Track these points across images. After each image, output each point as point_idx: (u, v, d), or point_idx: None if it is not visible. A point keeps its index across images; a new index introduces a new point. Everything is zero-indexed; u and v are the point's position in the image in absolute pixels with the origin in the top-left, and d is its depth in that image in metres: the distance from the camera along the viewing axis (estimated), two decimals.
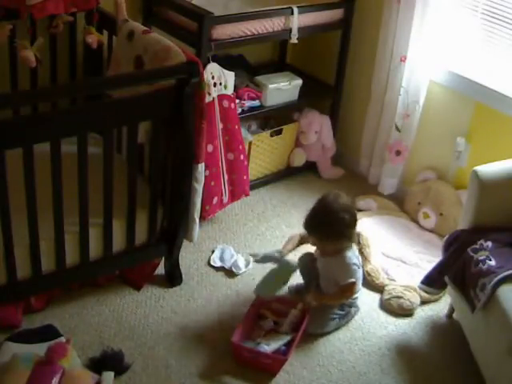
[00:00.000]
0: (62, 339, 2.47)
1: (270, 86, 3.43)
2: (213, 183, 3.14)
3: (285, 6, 3.24)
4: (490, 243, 2.49)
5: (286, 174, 3.80)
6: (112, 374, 2.40)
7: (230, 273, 3.04)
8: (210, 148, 3.05)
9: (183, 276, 2.95)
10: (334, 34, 3.64)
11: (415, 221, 3.50)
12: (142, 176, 2.73)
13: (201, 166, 2.72)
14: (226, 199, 3.28)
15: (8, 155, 2.16)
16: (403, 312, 2.91)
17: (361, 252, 3.09)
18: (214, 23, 2.99)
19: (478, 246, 2.51)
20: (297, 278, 2.90)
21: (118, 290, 2.85)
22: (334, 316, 2.76)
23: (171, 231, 2.79)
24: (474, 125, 3.30)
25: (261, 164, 3.64)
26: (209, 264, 3.07)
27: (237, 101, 3.25)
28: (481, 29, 3.16)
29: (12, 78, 2.91)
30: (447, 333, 2.84)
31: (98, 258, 2.62)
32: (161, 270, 2.95)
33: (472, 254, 2.50)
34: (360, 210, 3.44)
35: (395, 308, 2.91)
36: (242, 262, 3.08)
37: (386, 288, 2.99)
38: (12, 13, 2.71)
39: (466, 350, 2.61)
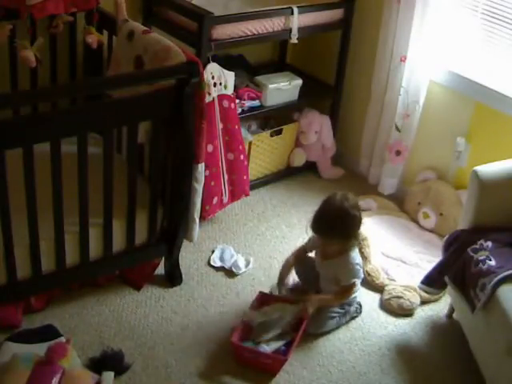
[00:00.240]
0: (62, 339, 2.47)
1: (270, 86, 3.43)
2: (213, 183, 3.14)
3: (285, 6, 3.24)
4: (490, 243, 2.49)
5: (286, 174, 3.80)
6: (112, 374, 2.40)
7: (230, 273, 3.03)
8: (210, 148, 3.05)
9: (183, 276, 2.95)
10: (334, 34, 3.63)
11: (415, 221, 3.50)
12: (142, 176, 2.73)
13: (201, 166, 2.72)
14: (226, 199, 3.28)
15: (8, 155, 2.16)
16: (403, 312, 2.91)
17: (361, 252, 3.08)
18: (213, 23, 2.99)
19: (477, 246, 2.51)
20: (294, 277, 2.92)
21: (117, 290, 2.85)
22: (334, 315, 2.76)
23: (171, 231, 2.79)
24: (474, 125, 3.30)
25: (261, 164, 3.64)
26: (209, 264, 3.07)
27: (237, 101, 3.24)
28: (481, 29, 3.16)
29: (12, 78, 2.91)
30: (447, 333, 2.84)
31: (98, 258, 2.62)
32: (161, 270, 2.95)
33: (472, 253, 2.50)
34: None
35: (395, 308, 2.91)
36: (241, 262, 3.08)
37: (386, 288, 2.99)
38: (12, 13, 2.71)
39: (465, 350, 2.61)
